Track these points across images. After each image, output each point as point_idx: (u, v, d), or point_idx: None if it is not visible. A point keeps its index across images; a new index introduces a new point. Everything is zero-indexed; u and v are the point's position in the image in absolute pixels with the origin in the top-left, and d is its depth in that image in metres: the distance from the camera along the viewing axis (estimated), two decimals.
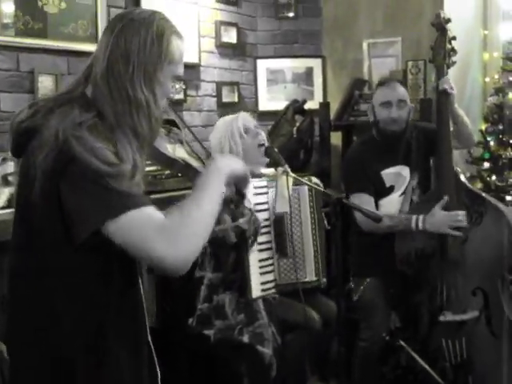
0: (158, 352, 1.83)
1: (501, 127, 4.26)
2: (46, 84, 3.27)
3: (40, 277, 1.58)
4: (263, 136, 3.02)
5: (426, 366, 2.77)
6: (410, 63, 4.27)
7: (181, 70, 1.71)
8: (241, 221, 2.66)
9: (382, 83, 3.37)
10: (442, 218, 2.97)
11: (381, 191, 3.29)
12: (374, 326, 3.11)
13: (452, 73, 4.39)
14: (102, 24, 3.51)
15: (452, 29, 4.30)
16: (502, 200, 3.63)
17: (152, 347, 1.75)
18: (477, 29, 4.69)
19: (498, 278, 3.01)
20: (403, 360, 3.03)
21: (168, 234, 1.47)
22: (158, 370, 1.76)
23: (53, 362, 1.57)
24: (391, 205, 3.28)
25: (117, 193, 1.47)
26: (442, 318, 2.98)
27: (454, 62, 3.17)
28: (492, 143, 4.30)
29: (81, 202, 1.48)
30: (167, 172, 3.24)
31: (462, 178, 3.13)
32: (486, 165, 4.32)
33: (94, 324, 1.58)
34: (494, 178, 4.18)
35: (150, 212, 1.50)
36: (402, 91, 3.32)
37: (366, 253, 3.28)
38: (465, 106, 4.57)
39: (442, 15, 3.13)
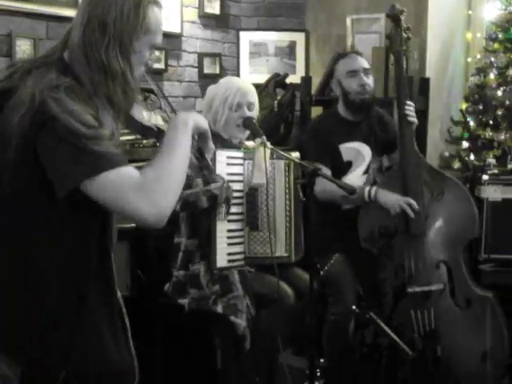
0: (133, 321, 1.84)
1: (481, 107, 4.27)
2: (23, 48, 3.22)
3: (20, 236, 1.62)
4: (254, 113, 3.01)
5: (395, 337, 2.81)
6: None
7: (159, 39, 1.71)
8: (212, 186, 2.65)
9: (343, 55, 3.48)
10: (396, 197, 3.07)
11: (339, 166, 3.34)
12: (343, 300, 3.13)
13: (435, 52, 4.44)
14: None
15: (436, 8, 4.34)
16: (479, 180, 3.65)
17: (121, 302, 1.81)
18: (461, 9, 4.68)
19: (461, 251, 3.13)
20: (369, 338, 3.07)
21: (145, 192, 1.53)
22: (127, 323, 1.82)
23: (37, 313, 1.62)
24: (353, 183, 3.28)
25: (93, 153, 1.50)
26: (409, 290, 3.07)
27: (408, 50, 3.40)
28: (472, 123, 4.32)
29: (59, 160, 1.51)
30: (144, 141, 3.22)
31: (422, 157, 3.25)
32: (465, 144, 4.34)
33: (76, 281, 1.64)
34: (472, 157, 4.21)
35: (127, 171, 1.55)
36: (364, 60, 3.42)
37: (333, 228, 3.31)
38: (446, 86, 4.60)
39: (397, 7, 3.23)
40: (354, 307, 2.99)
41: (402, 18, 3.24)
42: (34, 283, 1.61)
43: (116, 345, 1.72)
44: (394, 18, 3.25)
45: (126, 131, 3.11)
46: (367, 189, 3.14)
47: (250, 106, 2.99)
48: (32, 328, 1.62)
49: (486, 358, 3.04)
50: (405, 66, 3.29)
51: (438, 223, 3.11)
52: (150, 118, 1.83)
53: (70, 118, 1.49)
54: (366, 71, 3.35)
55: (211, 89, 3.08)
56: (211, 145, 1.86)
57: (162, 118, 1.87)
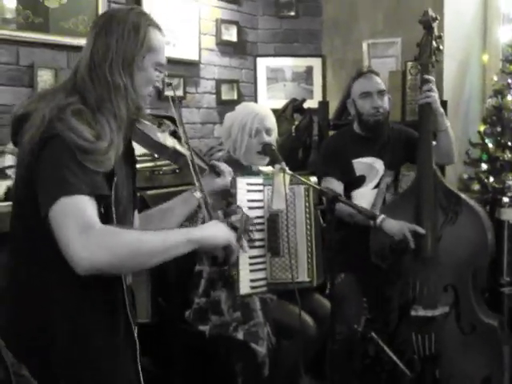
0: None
1: (499, 129, 4.25)
2: (45, 78, 3.27)
3: (30, 256, 1.69)
4: (272, 138, 3.02)
5: (395, 358, 2.80)
6: (409, 64, 4.26)
7: (162, 58, 1.84)
8: (233, 218, 2.65)
9: (359, 75, 3.40)
10: (401, 225, 3.00)
11: (351, 180, 3.33)
12: (347, 320, 3.10)
13: (451, 74, 4.45)
14: None
15: (452, 30, 4.35)
16: (499, 202, 3.63)
17: (131, 319, 1.81)
18: (477, 31, 4.70)
19: (469, 276, 3.06)
20: (371, 350, 3.06)
21: (89, 236, 1.52)
22: (135, 338, 1.82)
23: (32, 328, 1.68)
24: (364, 197, 3.31)
25: (78, 174, 1.56)
26: (413, 313, 3.05)
27: (437, 61, 3.24)
28: (490, 145, 4.30)
29: (48, 176, 1.57)
30: (164, 168, 3.25)
31: (440, 177, 3.18)
32: (484, 166, 4.32)
33: (73, 294, 1.69)
34: (491, 179, 4.19)
35: (89, 208, 1.57)
36: (379, 81, 3.37)
37: (340, 247, 3.28)
38: (463, 108, 4.60)
39: (430, 13, 3.16)
40: (355, 326, 2.97)
41: (435, 25, 3.16)
42: (28, 293, 1.69)
43: (116, 358, 1.75)
44: (425, 24, 3.16)
45: (147, 158, 3.19)
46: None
47: (268, 131, 2.99)
48: (29, 337, 1.68)
49: None
50: (434, 78, 3.19)
51: (450, 246, 3.05)
52: (165, 139, 1.92)
53: (72, 133, 1.58)
54: (380, 93, 3.31)
55: (229, 116, 3.09)
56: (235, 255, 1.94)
57: (176, 141, 1.96)
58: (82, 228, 1.52)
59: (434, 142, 3.22)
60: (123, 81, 1.73)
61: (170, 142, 1.93)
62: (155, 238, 1.65)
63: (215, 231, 1.84)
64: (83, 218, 1.54)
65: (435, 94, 3.14)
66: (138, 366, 1.82)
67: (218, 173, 2.11)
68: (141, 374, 1.82)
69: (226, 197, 2.71)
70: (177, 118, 2.00)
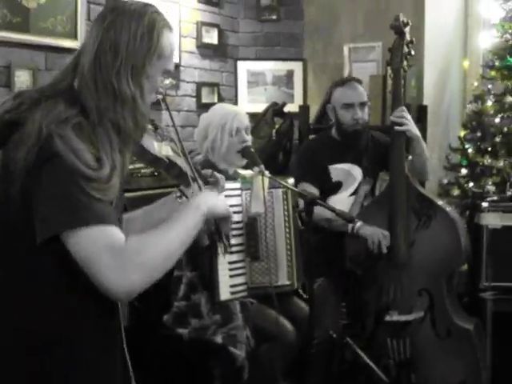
0: (131, 351, 1.81)
1: (479, 134, 4.29)
2: (22, 79, 3.23)
3: (12, 277, 1.53)
4: (249, 138, 3.01)
5: (371, 363, 2.79)
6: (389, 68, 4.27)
7: (171, 65, 1.65)
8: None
9: (342, 83, 3.37)
10: (375, 229, 3.03)
11: (327, 186, 3.31)
12: (324, 325, 3.08)
13: (432, 80, 4.46)
14: (81, 20, 3.49)
15: (433, 36, 4.37)
16: (479, 207, 3.63)
17: (126, 350, 1.69)
18: (457, 37, 4.72)
19: (444, 281, 3.06)
20: (349, 355, 3.02)
21: (120, 260, 1.41)
22: (131, 372, 1.71)
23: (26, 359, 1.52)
24: (340, 204, 3.24)
25: (85, 202, 1.41)
26: (387, 318, 3.05)
27: (410, 66, 3.24)
28: (470, 150, 4.33)
29: (48, 201, 1.42)
30: (143, 170, 3.22)
31: (413, 181, 3.17)
32: (464, 171, 4.35)
33: (64, 326, 1.53)
34: (471, 184, 4.21)
35: (111, 232, 1.44)
36: (362, 92, 3.34)
37: (317, 251, 3.27)
38: (444, 113, 4.62)
39: (401, 18, 3.15)
40: (331, 332, 2.94)
41: (406, 30, 3.14)
42: (24, 326, 1.52)
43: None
44: (397, 29, 3.14)
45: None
46: (350, 226, 3.08)
47: (247, 130, 3.01)
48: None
49: None
50: (402, 81, 3.18)
51: (423, 251, 3.04)
52: (160, 148, 1.78)
53: (73, 156, 1.41)
54: (362, 104, 3.28)
55: (205, 117, 3.08)
56: (230, 225, 1.83)
57: (171, 148, 1.82)
58: (112, 254, 1.41)
59: (410, 157, 3.22)
60: (131, 90, 1.53)
61: (165, 150, 1.79)
62: (177, 228, 1.54)
63: (214, 200, 1.72)
64: (110, 244, 1.42)
65: (409, 123, 3.10)
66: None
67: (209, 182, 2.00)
68: None
69: None
70: (170, 120, 1.87)
